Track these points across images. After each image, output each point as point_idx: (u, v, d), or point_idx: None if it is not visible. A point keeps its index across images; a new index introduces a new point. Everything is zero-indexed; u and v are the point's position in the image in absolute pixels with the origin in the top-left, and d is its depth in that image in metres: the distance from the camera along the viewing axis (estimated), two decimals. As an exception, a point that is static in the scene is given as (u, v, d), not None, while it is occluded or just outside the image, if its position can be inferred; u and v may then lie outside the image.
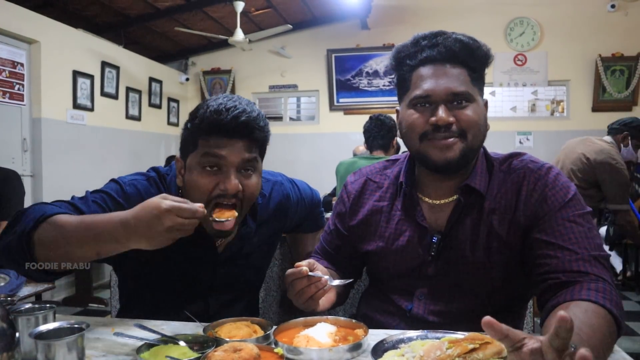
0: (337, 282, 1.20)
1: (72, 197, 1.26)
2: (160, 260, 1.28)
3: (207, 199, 1.21)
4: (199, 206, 1.05)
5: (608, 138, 3.56)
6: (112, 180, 1.31)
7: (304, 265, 1.12)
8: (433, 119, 1.14)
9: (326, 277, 1.15)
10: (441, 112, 1.13)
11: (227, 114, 1.19)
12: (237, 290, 1.44)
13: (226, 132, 1.20)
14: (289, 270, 1.14)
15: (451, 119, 1.14)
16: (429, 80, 1.16)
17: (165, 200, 1.02)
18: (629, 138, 3.50)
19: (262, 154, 1.31)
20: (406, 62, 1.21)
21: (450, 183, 1.23)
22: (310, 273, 1.12)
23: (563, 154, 3.68)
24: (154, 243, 1.05)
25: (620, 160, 3.38)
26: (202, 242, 1.32)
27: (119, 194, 1.27)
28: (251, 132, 1.22)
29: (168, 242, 1.05)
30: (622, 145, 3.50)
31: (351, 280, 1.28)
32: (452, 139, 1.15)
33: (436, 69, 1.16)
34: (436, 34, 1.18)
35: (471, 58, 1.16)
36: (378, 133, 3.28)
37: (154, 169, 1.39)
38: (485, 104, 1.24)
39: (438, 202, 1.25)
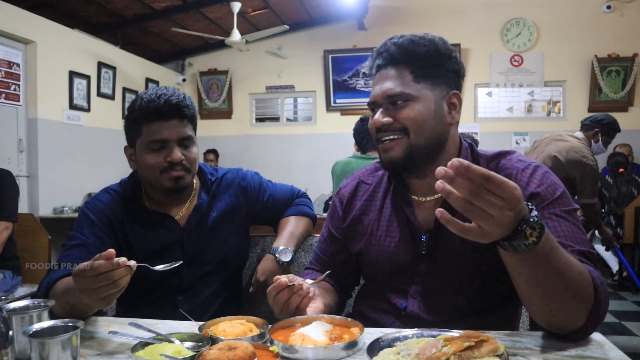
0: (310, 281, 1.21)
1: (69, 247, 1.43)
2: (136, 239, 1.51)
3: (159, 172, 1.45)
4: (100, 263, 1.02)
5: (579, 134, 3.64)
6: (80, 211, 1.54)
7: (282, 278, 1.13)
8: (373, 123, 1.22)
9: (307, 282, 1.16)
10: (376, 115, 1.21)
11: (160, 100, 1.42)
12: (208, 264, 1.56)
13: (163, 115, 1.43)
14: (270, 287, 1.14)
15: (385, 119, 1.20)
16: (375, 87, 1.24)
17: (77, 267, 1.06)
18: (600, 134, 3.60)
19: (194, 128, 1.54)
20: (371, 71, 1.28)
21: (434, 180, 1.23)
22: (290, 283, 1.13)
23: (534, 153, 3.68)
24: (95, 303, 1.10)
25: (590, 156, 3.46)
26: (165, 220, 1.54)
27: (88, 216, 1.50)
28: (182, 111, 1.46)
29: (102, 301, 1.06)
30: (592, 141, 3.60)
31: (328, 272, 1.30)
32: (393, 141, 1.20)
33: (381, 75, 1.23)
34: (389, 39, 1.24)
35: (410, 58, 1.19)
36: (369, 133, 3.26)
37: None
38: (455, 95, 1.23)
39: (425, 199, 1.26)
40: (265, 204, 1.69)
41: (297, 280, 1.16)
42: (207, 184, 1.60)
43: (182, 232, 1.54)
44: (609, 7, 6.57)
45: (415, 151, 1.19)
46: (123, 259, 1.01)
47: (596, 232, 5.32)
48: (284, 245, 1.59)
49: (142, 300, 1.52)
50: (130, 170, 1.60)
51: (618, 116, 6.45)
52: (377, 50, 1.25)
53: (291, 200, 1.75)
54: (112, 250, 1.01)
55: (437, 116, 1.19)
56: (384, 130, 1.20)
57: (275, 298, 1.14)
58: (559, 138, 3.61)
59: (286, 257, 1.57)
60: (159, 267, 1.15)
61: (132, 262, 1.03)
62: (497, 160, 1.25)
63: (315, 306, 1.21)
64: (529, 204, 0.86)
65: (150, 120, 1.43)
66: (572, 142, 3.52)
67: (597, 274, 1.01)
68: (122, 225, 1.52)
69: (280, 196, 1.72)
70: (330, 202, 4.14)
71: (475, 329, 0.96)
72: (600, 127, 3.61)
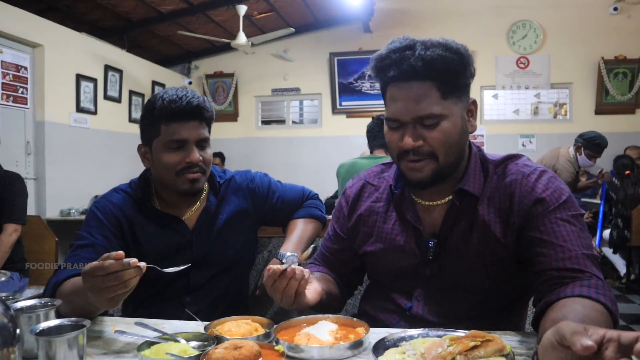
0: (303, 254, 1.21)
1: (77, 247, 1.43)
2: (145, 240, 1.51)
3: (175, 172, 1.47)
4: (111, 262, 1.02)
5: (571, 148, 4.37)
6: (89, 210, 1.55)
7: (274, 267, 1.12)
8: (401, 144, 1.15)
9: (300, 267, 1.14)
10: (406, 139, 1.14)
11: (182, 101, 1.44)
12: (216, 266, 1.57)
13: (184, 116, 1.45)
14: (265, 278, 1.14)
15: (418, 142, 1.14)
16: (397, 102, 1.15)
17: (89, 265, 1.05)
18: (582, 148, 4.28)
19: (210, 130, 1.56)
20: (380, 76, 1.19)
21: (444, 186, 1.23)
22: (282, 268, 1.12)
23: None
24: (102, 304, 1.09)
25: (562, 167, 4.16)
26: (173, 222, 1.54)
27: (97, 216, 1.50)
28: (202, 112, 1.48)
29: (110, 301, 1.05)
30: (577, 154, 4.28)
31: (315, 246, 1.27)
32: (421, 163, 1.15)
33: (402, 89, 1.14)
34: (406, 47, 1.13)
35: (439, 73, 1.11)
36: (379, 133, 3.27)
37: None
38: (473, 102, 1.22)
39: (431, 203, 1.25)
40: (274, 206, 1.68)
41: (290, 266, 1.14)
42: (215, 187, 1.61)
43: (191, 234, 1.55)
44: (615, 9, 6.53)
45: (443, 170, 1.17)
46: (134, 260, 1.01)
47: (604, 234, 5.32)
48: (291, 251, 1.58)
49: (150, 300, 1.52)
50: (139, 172, 1.60)
51: (625, 118, 6.54)
52: (396, 57, 1.13)
53: (301, 202, 1.74)
54: (121, 252, 1.01)
55: (462, 130, 1.17)
56: (411, 153, 1.15)
57: (273, 287, 1.13)
58: (555, 154, 4.36)
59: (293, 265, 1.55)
60: (168, 270, 1.15)
61: (142, 264, 1.03)
62: (504, 164, 1.24)
63: (313, 288, 1.20)
64: None
65: (170, 120, 1.45)
66: (559, 154, 4.26)
67: (601, 286, 1.02)
68: (131, 225, 1.52)
69: (290, 197, 1.71)
70: (331, 200, 4.16)
71: (480, 329, 0.96)
72: (582, 142, 4.28)
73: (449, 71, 1.12)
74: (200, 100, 1.48)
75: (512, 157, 1.25)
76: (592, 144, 4.25)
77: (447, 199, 1.23)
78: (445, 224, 1.22)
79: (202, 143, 1.50)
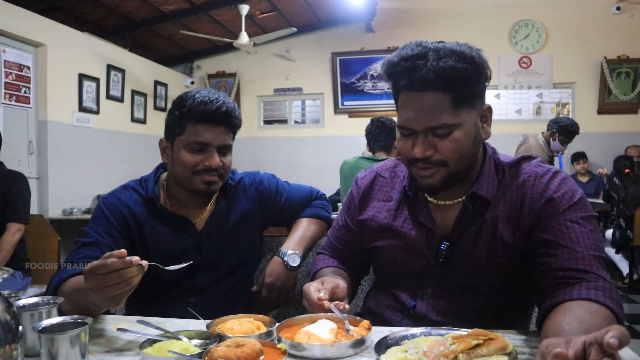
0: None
1: (82, 244, 1.42)
2: (153, 241, 1.50)
3: (191, 173, 1.46)
4: (113, 260, 1.01)
5: (540, 135, 4.45)
6: (97, 206, 1.53)
7: (325, 300, 1.14)
8: (412, 153, 1.14)
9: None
10: (417, 149, 1.13)
11: (212, 105, 1.44)
12: (223, 268, 1.56)
13: (211, 120, 1.45)
14: (311, 300, 1.17)
15: (428, 152, 1.12)
16: (408, 110, 1.13)
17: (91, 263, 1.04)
18: (556, 134, 4.36)
19: (234, 137, 1.56)
20: (391, 82, 1.17)
21: (457, 187, 1.22)
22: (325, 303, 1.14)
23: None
24: (104, 303, 1.08)
25: (538, 154, 4.07)
26: (183, 223, 1.53)
27: (104, 214, 1.49)
28: (230, 120, 1.49)
29: (111, 300, 1.05)
30: (551, 139, 4.38)
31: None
32: (431, 170, 1.15)
33: (414, 99, 1.11)
34: (418, 56, 1.09)
35: (452, 84, 1.08)
36: (380, 135, 3.29)
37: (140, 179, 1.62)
38: (488, 108, 1.20)
39: (444, 203, 1.25)
40: (282, 208, 1.67)
41: (325, 290, 1.18)
42: (226, 189, 1.59)
43: (200, 236, 1.53)
44: (618, 8, 6.52)
45: (453, 177, 1.16)
46: (136, 258, 1.01)
47: (606, 234, 5.31)
48: (292, 249, 1.57)
49: (154, 301, 1.51)
50: (140, 171, 1.59)
51: (628, 118, 6.54)
52: (408, 65, 1.09)
53: (309, 202, 1.73)
54: (123, 250, 1.01)
55: (475, 139, 1.15)
56: (422, 161, 1.14)
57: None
58: (524, 141, 4.43)
59: (294, 263, 1.55)
60: (170, 267, 1.15)
61: (145, 262, 1.03)
62: (517, 165, 1.23)
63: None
64: None
65: (197, 122, 1.44)
66: (529, 144, 4.32)
67: (608, 288, 1.01)
68: (139, 225, 1.50)
69: (298, 199, 1.70)
70: (332, 197, 4.17)
71: (483, 327, 0.96)
72: (556, 128, 4.36)
73: (462, 82, 1.09)
74: (230, 107, 1.47)
75: (526, 158, 1.25)
76: (567, 131, 4.35)
77: (460, 199, 1.23)
78: (457, 226, 1.22)
79: (224, 149, 1.49)
